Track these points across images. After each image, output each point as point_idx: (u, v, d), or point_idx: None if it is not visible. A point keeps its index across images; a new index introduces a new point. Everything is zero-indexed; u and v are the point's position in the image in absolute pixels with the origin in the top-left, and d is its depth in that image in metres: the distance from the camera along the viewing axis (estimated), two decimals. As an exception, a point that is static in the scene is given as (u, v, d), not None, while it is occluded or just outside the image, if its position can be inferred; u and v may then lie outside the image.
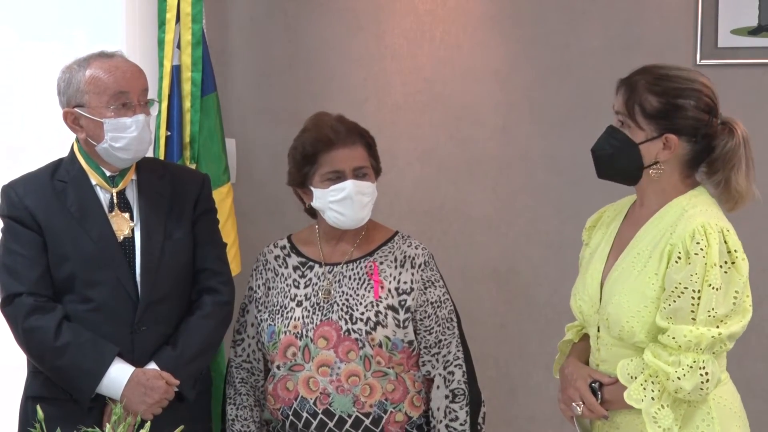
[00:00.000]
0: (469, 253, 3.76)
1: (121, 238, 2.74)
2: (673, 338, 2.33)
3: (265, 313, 2.82)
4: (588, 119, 3.53)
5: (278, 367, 2.77)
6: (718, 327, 2.32)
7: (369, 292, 2.75)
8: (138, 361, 2.70)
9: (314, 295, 2.78)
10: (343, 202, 2.73)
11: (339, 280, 2.78)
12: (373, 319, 2.72)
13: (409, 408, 2.77)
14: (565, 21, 3.66)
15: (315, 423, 2.71)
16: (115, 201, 2.76)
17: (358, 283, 2.77)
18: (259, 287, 2.86)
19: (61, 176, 2.76)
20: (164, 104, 3.38)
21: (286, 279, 2.82)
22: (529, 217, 3.73)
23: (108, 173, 2.76)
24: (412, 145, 3.76)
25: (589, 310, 2.54)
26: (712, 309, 2.32)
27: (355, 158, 2.75)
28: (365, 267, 2.79)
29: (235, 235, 3.49)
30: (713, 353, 2.35)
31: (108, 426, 2.09)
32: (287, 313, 2.77)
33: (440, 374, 2.78)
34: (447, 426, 2.75)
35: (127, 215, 2.76)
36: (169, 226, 2.78)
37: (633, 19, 3.62)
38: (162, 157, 3.34)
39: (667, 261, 2.38)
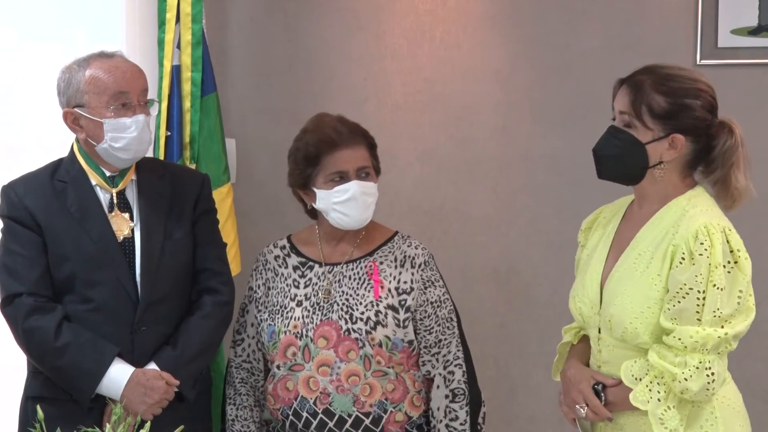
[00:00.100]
0: (469, 253, 3.76)
1: (121, 238, 2.74)
2: (679, 339, 2.33)
3: (265, 313, 2.82)
4: (588, 119, 3.53)
5: (278, 367, 2.77)
6: (723, 327, 2.32)
7: (369, 291, 2.75)
8: (138, 362, 2.70)
9: (314, 295, 2.78)
10: (347, 203, 2.73)
11: (339, 280, 2.78)
12: (373, 318, 2.72)
13: (409, 408, 2.77)
14: (565, 21, 3.66)
15: (315, 423, 2.71)
16: (115, 201, 2.76)
17: (358, 283, 2.77)
18: (259, 287, 2.86)
19: (61, 176, 2.75)
20: (164, 104, 3.38)
21: (286, 279, 2.83)
22: (529, 217, 3.73)
23: (108, 173, 2.76)
24: (412, 145, 3.76)
25: (589, 311, 2.54)
26: (717, 309, 2.32)
27: (358, 159, 2.75)
28: (365, 267, 2.79)
29: (235, 235, 3.49)
30: (718, 353, 2.35)
31: (108, 426, 2.09)
32: (287, 313, 2.77)
33: (440, 374, 2.78)
34: (447, 426, 2.75)
35: (126, 215, 2.76)
36: (169, 226, 2.78)
37: (633, 19, 3.62)
38: (162, 157, 3.34)
39: (670, 262, 2.38)
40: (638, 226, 2.49)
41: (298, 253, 2.85)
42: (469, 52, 3.71)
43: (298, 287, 2.80)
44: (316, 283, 2.79)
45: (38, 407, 2.19)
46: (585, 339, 2.65)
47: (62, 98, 2.73)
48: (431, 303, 2.78)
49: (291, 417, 2.74)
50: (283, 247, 2.88)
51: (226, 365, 2.93)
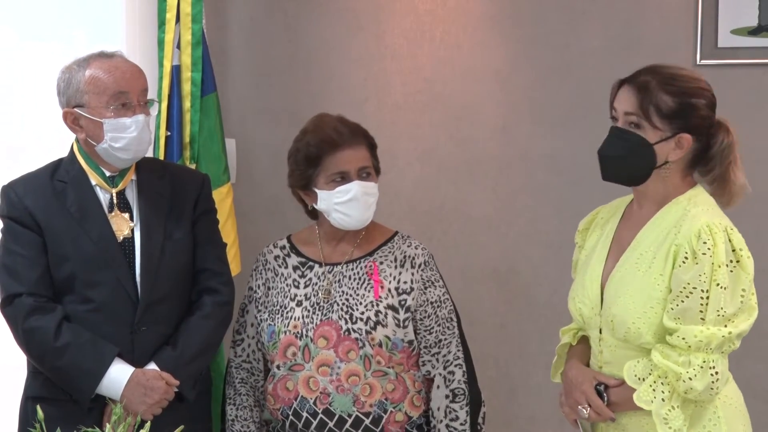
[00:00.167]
0: (469, 253, 3.76)
1: (121, 238, 2.74)
2: (683, 339, 2.33)
3: (264, 313, 2.82)
4: (588, 119, 3.53)
5: (278, 367, 2.77)
6: (726, 326, 2.33)
7: (369, 291, 2.75)
8: (138, 362, 2.70)
9: (314, 295, 2.78)
10: (349, 203, 2.73)
11: (339, 280, 2.78)
12: (373, 318, 2.72)
13: (409, 408, 2.77)
14: (565, 21, 3.66)
15: (315, 423, 2.71)
16: (114, 201, 2.76)
17: (358, 283, 2.77)
18: (258, 287, 2.86)
19: (60, 176, 2.75)
20: (164, 104, 3.38)
21: (285, 279, 2.82)
22: (529, 217, 3.73)
23: (108, 173, 2.76)
24: (412, 145, 3.76)
25: (589, 312, 2.54)
26: (721, 308, 2.32)
27: (359, 159, 2.75)
28: (365, 267, 2.79)
29: (235, 235, 3.49)
30: (722, 352, 2.35)
31: (108, 426, 2.09)
32: (287, 312, 2.77)
33: (440, 374, 2.78)
34: (447, 426, 2.75)
35: (126, 215, 2.76)
36: (169, 226, 2.78)
37: (633, 19, 3.62)
38: (162, 157, 3.34)
39: (672, 261, 2.38)
40: (638, 227, 2.49)
41: (298, 253, 2.85)
42: (469, 52, 3.71)
43: (298, 287, 2.80)
44: (316, 283, 2.79)
45: (38, 407, 2.19)
46: (584, 340, 2.65)
47: (62, 98, 2.73)
48: (431, 303, 2.78)
49: (291, 417, 2.74)
50: (283, 247, 2.88)
51: (226, 365, 2.93)
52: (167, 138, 3.39)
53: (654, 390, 2.37)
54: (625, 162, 2.45)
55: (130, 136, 2.69)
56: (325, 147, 2.74)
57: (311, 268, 2.82)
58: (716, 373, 2.33)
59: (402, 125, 3.75)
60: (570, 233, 2.76)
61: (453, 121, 3.74)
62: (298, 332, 2.74)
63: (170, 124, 3.40)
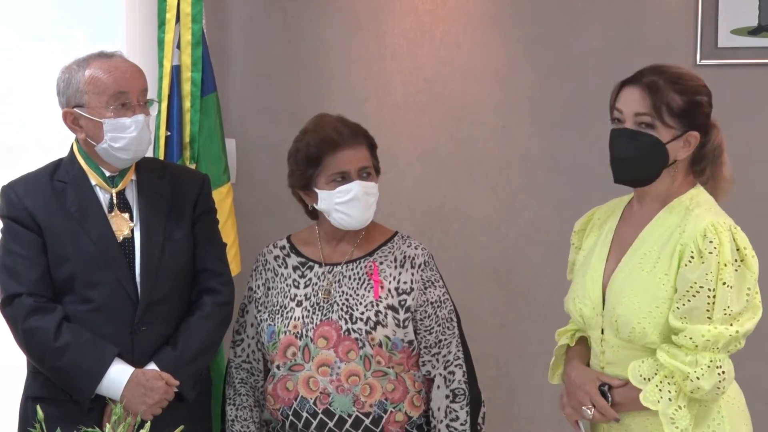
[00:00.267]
0: (469, 253, 3.75)
1: (121, 238, 2.74)
2: (690, 338, 2.33)
3: (264, 313, 2.82)
4: (588, 119, 3.53)
5: (278, 367, 2.77)
6: (732, 325, 2.33)
7: (369, 291, 2.75)
8: (138, 362, 2.70)
9: (314, 295, 2.78)
10: (350, 203, 2.73)
11: (339, 280, 2.78)
12: (373, 318, 2.72)
13: (409, 408, 2.77)
14: (565, 21, 3.66)
15: (315, 423, 2.71)
16: (114, 201, 2.76)
17: (358, 283, 2.77)
18: (258, 287, 2.86)
19: (60, 176, 2.75)
20: (164, 104, 3.38)
21: (285, 279, 2.82)
22: (529, 217, 3.73)
23: (108, 173, 2.76)
24: (412, 145, 3.76)
25: (591, 312, 2.53)
26: (728, 307, 2.32)
27: (359, 159, 2.75)
28: (365, 267, 2.79)
29: (235, 235, 3.49)
30: (728, 352, 2.35)
31: (108, 426, 2.09)
32: (287, 313, 2.77)
33: (440, 374, 2.78)
34: (447, 426, 2.75)
35: (126, 215, 2.76)
36: (169, 226, 2.78)
37: (633, 19, 3.62)
38: (162, 157, 3.34)
39: (678, 261, 2.38)
40: (640, 226, 2.49)
41: (298, 254, 2.85)
42: (469, 52, 3.71)
43: (297, 287, 2.80)
44: (316, 283, 2.79)
45: (38, 407, 2.19)
46: (582, 341, 2.65)
47: (62, 98, 2.73)
48: (431, 303, 2.78)
49: (291, 417, 2.74)
50: (282, 248, 2.88)
51: (226, 365, 2.93)
52: (167, 138, 3.39)
53: (660, 390, 2.37)
54: (638, 163, 2.44)
55: (130, 136, 2.69)
56: (326, 147, 2.74)
57: (311, 268, 2.82)
58: (723, 372, 2.33)
59: (402, 125, 3.75)
60: (570, 233, 2.76)
61: (453, 121, 3.74)
62: (298, 332, 2.74)
63: (170, 124, 3.40)
